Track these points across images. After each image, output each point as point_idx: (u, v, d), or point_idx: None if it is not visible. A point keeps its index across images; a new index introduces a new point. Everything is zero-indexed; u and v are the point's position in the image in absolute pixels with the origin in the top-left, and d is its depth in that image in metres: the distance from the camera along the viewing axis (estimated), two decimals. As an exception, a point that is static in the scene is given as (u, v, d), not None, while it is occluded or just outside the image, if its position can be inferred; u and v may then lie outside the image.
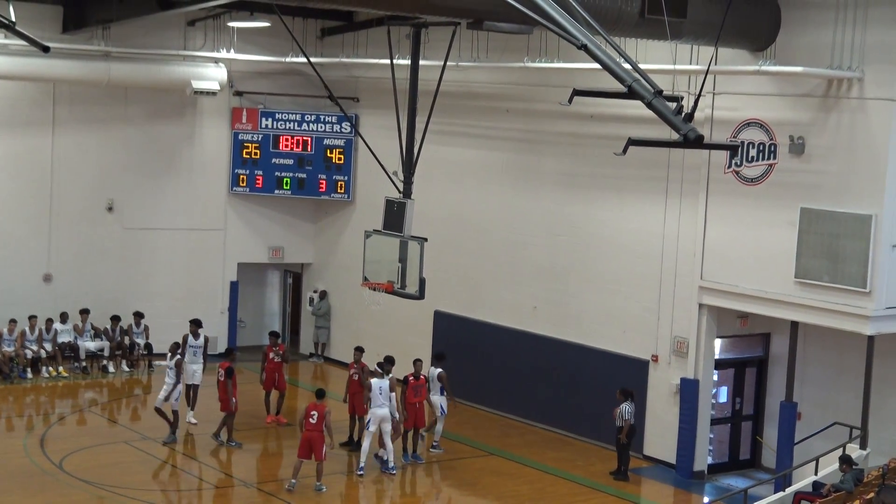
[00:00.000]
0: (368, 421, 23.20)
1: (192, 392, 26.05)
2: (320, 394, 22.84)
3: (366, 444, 23.21)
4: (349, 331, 32.27)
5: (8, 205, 30.57)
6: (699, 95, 17.39)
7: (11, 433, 25.39)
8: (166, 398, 24.79)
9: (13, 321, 29.63)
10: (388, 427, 23.19)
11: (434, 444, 24.91)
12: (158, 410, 24.82)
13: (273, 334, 27.73)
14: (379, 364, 23.82)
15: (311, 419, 22.05)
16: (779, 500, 20.11)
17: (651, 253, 24.76)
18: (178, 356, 25.13)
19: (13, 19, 25.15)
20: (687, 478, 24.01)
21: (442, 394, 24.79)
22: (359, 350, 25.31)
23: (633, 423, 23.70)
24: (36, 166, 30.79)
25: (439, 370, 24.63)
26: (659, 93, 16.76)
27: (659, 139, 20.97)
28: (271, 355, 26.53)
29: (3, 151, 30.40)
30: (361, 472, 23.07)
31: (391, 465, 23.24)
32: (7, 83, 29.76)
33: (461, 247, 28.97)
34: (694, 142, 16.69)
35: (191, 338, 26.29)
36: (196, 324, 26.70)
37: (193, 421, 25.98)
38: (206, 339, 26.85)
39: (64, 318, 30.46)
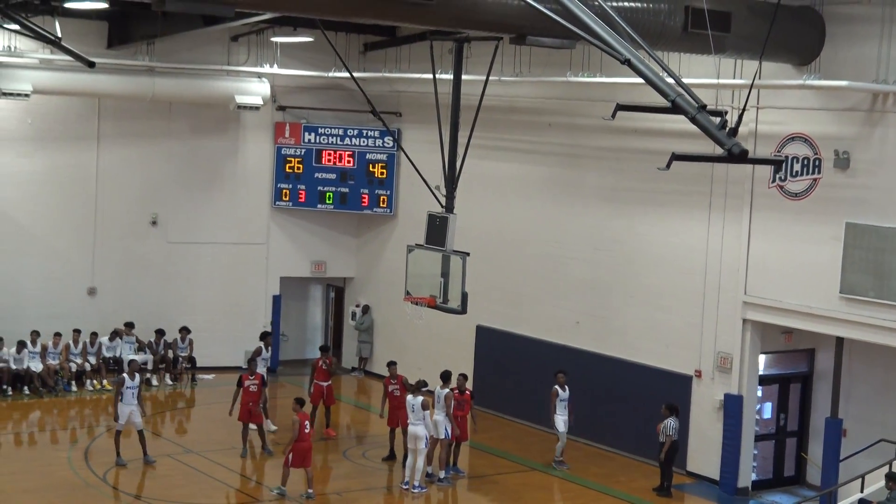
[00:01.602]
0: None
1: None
2: (301, 402, 22.85)
3: (409, 461, 23.20)
4: (391, 345, 32.28)
5: (53, 219, 30.82)
6: (743, 110, 17.26)
7: (56, 446, 25.55)
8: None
9: (58, 334, 29.83)
10: (421, 445, 23.09)
11: (429, 473, 23.97)
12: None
13: (323, 348, 27.79)
14: (417, 382, 23.77)
15: (305, 429, 22.16)
16: (824, 517, 19.99)
17: (694, 268, 24.64)
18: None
19: (59, 35, 25.45)
20: (731, 494, 23.84)
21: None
22: (393, 364, 25.30)
23: (675, 438, 23.57)
24: (81, 181, 31.04)
25: (446, 391, 23.98)
26: (703, 107, 16.68)
27: (703, 154, 20.83)
28: (321, 364, 26.60)
29: (49, 166, 30.66)
30: (406, 486, 23.06)
31: (416, 483, 23.11)
32: (53, 98, 30.03)
33: (504, 261, 28.93)
34: (738, 157, 16.60)
35: (263, 350, 26.52)
36: (268, 336, 27.29)
37: (273, 428, 26.15)
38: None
39: (113, 336, 30.62)
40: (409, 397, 23.30)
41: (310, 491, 22.26)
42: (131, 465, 23.73)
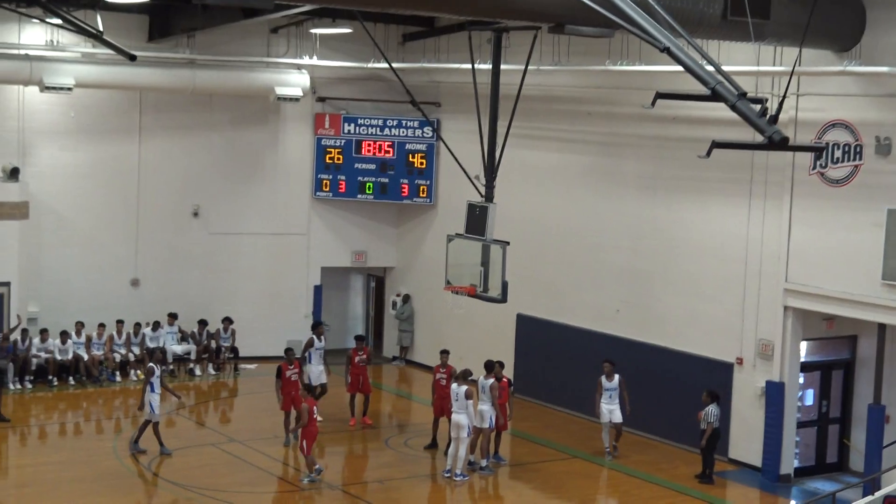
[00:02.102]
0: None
1: (320, 391, 26.41)
2: (309, 389, 23.19)
3: (452, 447, 23.30)
4: (432, 334, 32.41)
5: (96, 211, 31.10)
6: (784, 97, 17.24)
7: (101, 435, 25.81)
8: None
9: (102, 325, 30.13)
10: (463, 434, 23.14)
11: (471, 462, 23.92)
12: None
13: (358, 338, 27.83)
14: (463, 372, 23.87)
15: (314, 415, 22.50)
16: (867, 504, 19.90)
17: (735, 255, 24.60)
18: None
19: (101, 29, 25.70)
20: (773, 481, 23.82)
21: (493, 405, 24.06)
22: (445, 353, 25.38)
23: (717, 426, 23.56)
24: (123, 173, 31.31)
25: (491, 381, 23.86)
26: (743, 95, 16.68)
27: (743, 141, 20.83)
28: (356, 359, 26.63)
29: (92, 159, 30.93)
30: (448, 475, 23.17)
31: (458, 472, 23.16)
32: (95, 92, 30.28)
33: (543, 250, 28.97)
34: (779, 144, 16.58)
35: (315, 340, 26.72)
36: (319, 326, 27.36)
37: (319, 419, 26.39)
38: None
39: (156, 326, 30.90)
40: (454, 386, 23.38)
41: (312, 475, 22.60)
42: (175, 454, 23.94)
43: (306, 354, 26.67)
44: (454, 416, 23.19)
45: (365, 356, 26.81)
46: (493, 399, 23.72)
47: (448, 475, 23.12)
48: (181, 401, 27.00)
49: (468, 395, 23.20)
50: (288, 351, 25.80)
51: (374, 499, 21.90)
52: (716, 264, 25.06)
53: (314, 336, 27.06)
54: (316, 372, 26.61)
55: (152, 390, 23.85)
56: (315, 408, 22.78)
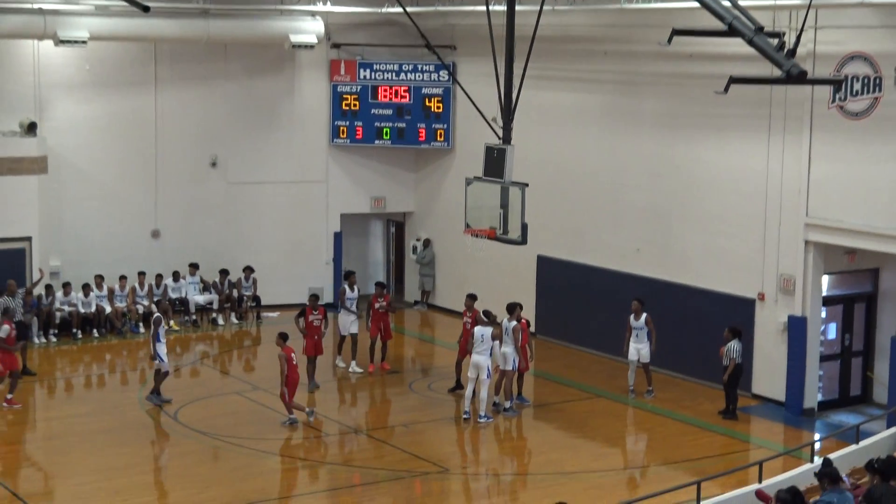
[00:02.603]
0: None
1: (351, 342, 26.59)
2: (285, 337, 23.08)
3: (468, 389, 23.38)
4: (453, 278, 32.48)
5: (115, 164, 31.16)
6: (801, 30, 17.15)
7: (126, 387, 26.00)
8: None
9: (123, 277, 30.27)
10: (483, 375, 23.16)
11: (496, 403, 24.03)
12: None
13: (379, 284, 27.70)
14: (484, 312, 23.92)
15: (293, 362, 22.70)
16: (891, 435, 19.84)
17: (755, 191, 24.52)
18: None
19: (114, -20, 25.60)
20: (797, 415, 23.87)
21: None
22: (471, 297, 25.38)
23: (739, 362, 23.59)
24: (140, 125, 31.32)
25: (514, 323, 23.95)
26: (760, 29, 16.60)
27: (761, 76, 20.77)
28: (377, 305, 26.59)
29: (108, 111, 30.95)
30: (467, 416, 23.27)
31: (482, 413, 23.24)
32: (109, 44, 30.26)
33: (562, 191, 28.94)
34: (797, 78, 16.52)
35: (347, 290, 26.82)
36: (351, 275, 27.44)
37: (359, 370, 26.51)
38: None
39: (176, 276, 31.02)
40: (478, 328, 23.39)
41: (292, 417, 22.84)
42: (200, 402, 24.10)
43: (345, 304, 26.82)
44: (474, 357, 23.24)
45: (385, 303, 26.76)
46: (516, 341, 23.78)
47: (466, 417, 23.19)
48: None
49: (495, 337, 23.26)
50: (312, 297, 25.89)
51: (400, 442, 22.04)
52: (736, 200, 25.00)
53: (346, 285, 27.12)
54: (347, 321, 26.69)
55: (159, 340, 23.93)
56: (293, 354, 22.88)
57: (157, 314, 24.51)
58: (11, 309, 25.97)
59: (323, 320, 25.46)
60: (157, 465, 21.03)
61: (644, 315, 24.79)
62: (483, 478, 20.81)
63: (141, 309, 30.23)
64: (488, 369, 23.22)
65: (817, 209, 23.41)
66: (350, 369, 26.57)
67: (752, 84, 21.61)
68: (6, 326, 23.88)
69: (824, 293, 24.27)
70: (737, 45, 18.46)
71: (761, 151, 24.33)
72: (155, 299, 30.22)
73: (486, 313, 23.84)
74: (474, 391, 23.38)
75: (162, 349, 23.90)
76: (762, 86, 22.79)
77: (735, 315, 24.62)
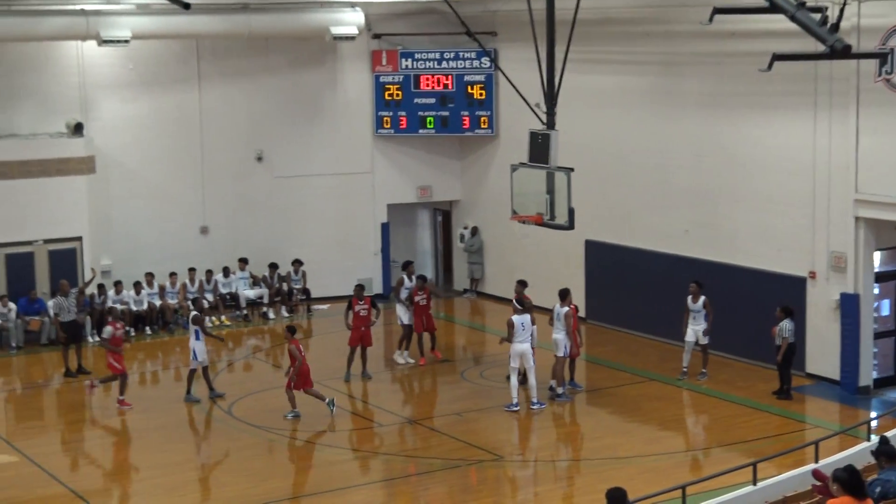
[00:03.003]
0: (510, 356, 23.10)
1: (405, 332, 26.73)
2: (293, 330, 23.20)
3: (513, 379, 23.22)
4: (502, 265, 32.46)
5: (162, 161, 31.36)
6: (844, 4, 17.01)
7: (179, 383, 26.10)
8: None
9: (173, 274, 30.47)
10: (529, 363, 23.10)
11: (551, 389, 24.03)
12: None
13: (420, 277, 27.27)
14: (517, 300, 23.79)
15: (301, 354, 22.80)
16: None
17: (802, 169, 24.32)
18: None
19: (154, -21, 25.72)
20: (852, 393, 23.68)
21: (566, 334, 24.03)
22: (521, 283, 25.25)
23: (792, 341, 23.43)
24: (185, 122, 31.51)
25: (566, 309, 23.88)
26: (802, 4, 16.46)
27: (804, 52, 20.58)
28: (417, 298, 26.41)
29: (153, 109, 31.14)
30: (516, 408, 23.11)
31: (535, 400, 23.19)
32: (152, 42, 30.44)
33: (608, 174, 28.84)
34: (841, 52, 16.40)
35: (406, 279, 26.92)
36: (409, 266, 27.59)
37: (410, 360, 26.66)
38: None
39: (226, 272, 31.19)
40: (515, 317, 23.17)
41: (330, 401, 22.97)
42: (253, 397, 24.22)
43: (398, 294, 26.89)
44: (517, 347, 23.01)
45: (425, 296, 26.58)
46: (568, 327, 23.72)
47: (517, 408, 23.08)
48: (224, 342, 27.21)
49: (533, 322, 23.17)
50: (358, 287, 25.93)
51: (453, 431, 22.06)
52: (783, 178, 24.81)
53: (404, 276, 27.15)
54: (399, 312, 26.76)
55: (197, 338, 24.03)
56: (301, 346, 23.02)
57: (195, 312, 24.61)
58: (65, 308, 26.27)
59: (370, 310, 25.48)
60: (212, 460, 21.15)
61: (702, 298, 24.65)
62: (537, 464, 20.79)
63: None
64: (532, 356, 23.14)
65: (866, 184, 23.18)
66: (402, 360, 26.55)
67: (795, 60, 21.40)
68: (109, 328, 23.97)
69: (876, 269, 24.05)
70: (779, 21, 18.33)
71: (807, 128, 24.12)
72: (220, 293, 30.51)
73: (520, 301, 23.71)
74: (524, 378, 23.33)
75: (199, 346, 24.01)
76: (806, 62, 22.58)
77: (786, 294, 24.45)
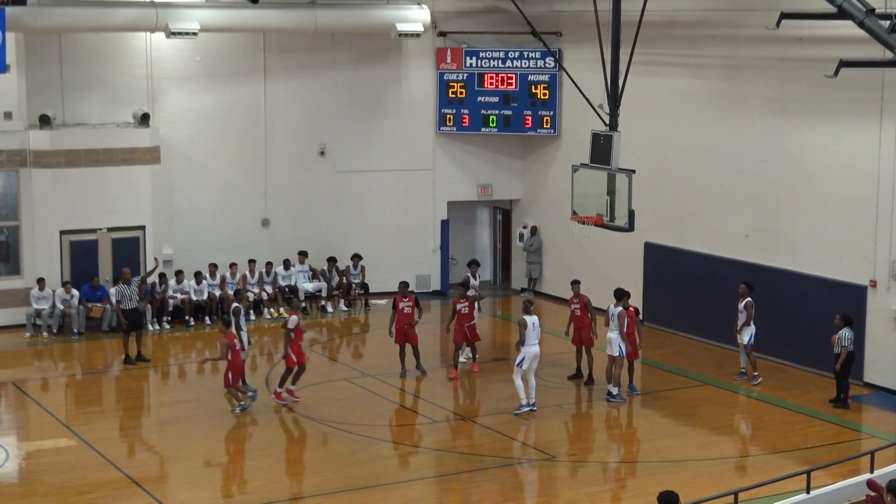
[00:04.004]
0: (522, 359, 22.78)
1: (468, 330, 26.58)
2: (228, 323, 23.24)
3: (518, 380, 22.88)
4: (560, 265, 32.46)
5: (226, 153, 31.63)
6: (913, 12, 16.87)
7: (238, 373, 26.40)
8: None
9: (233, 265, 30.73)
10: (535, 364, 22.86)
11: (609, 391, 24.01)
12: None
13: (463, 284, 26.42)
14: (526, 301, 23.60)
15: (236, 348, 22.85)
16: None
17: (866, 176, 24.14)
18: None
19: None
20: (910, 404, 23.54)
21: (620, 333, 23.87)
22: (576, 283, 25.22)
23: (851, 349, 23.26)
24: (250, 115, 31.76)
25: (619, 309, 23.79)
26: (871, 11, 16.37)
27: (872, 59, 20.45)
28: (459, 307, 25.49)
29: (219, 102, 31.41)
30: (529, 409, 22.84)
31: (527, 402, 22.85)
32: (219, 36, 30.70)
33: (669, 177, 28.75)
34: (908, 60, 16.25)
35: (471, 278, 27.00)
36: (475, 265, 27.76)
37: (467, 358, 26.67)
38: None
39: (287, 264, 31.41)
40: (528, 317, 22.84)
41: (251, 393, 23.33)
42: (309, 389, 24.36)
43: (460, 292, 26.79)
44: (531, 349, 22.74)
45: (467, 304, 25.59)
46: (621, 326, 23.67)
47: (529, 409, 22.80)
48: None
49: (522, 325, 22.85)
50: (402, 284, 25.96)
51: (508, 430, 22.10)
52: (846, 186, 24.64)
53: (469, 274, 27.16)
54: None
55: (241, 329, 24.04)
56: (235, 340, 22.98)
57: (235, 304, 24.68)
58: (126, 296, 26.56)
59: (414, 308, 25.52)
60: (267, 451, 21.31)
61: (746, 300, 24.57)
62: (590, 465, 20.79)
63: (251, 296, 30.66)
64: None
65: (931, 194, 22.98)
66: (463, 358, 26.53)
67: (862, 67, 21.24)
68: (294, 317, 23.63)
69: (938, 279, 23.86)
70: (847, 28, 18.25)
71: (873, 135, 23.93)
72: (280, 285, 30.75)
73: (528, 302, 23.51)
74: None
75: (242, 336, 24.09)
76: (873, 69, 22.40)
77: (846, 302, 24.28)
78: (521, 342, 22.82)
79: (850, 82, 22.31)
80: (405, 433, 22.42)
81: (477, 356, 26.25)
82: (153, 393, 25.34)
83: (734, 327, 24.93)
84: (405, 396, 24.43)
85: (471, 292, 26.33)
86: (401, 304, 25.34)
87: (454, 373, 25.59)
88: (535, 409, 22.95)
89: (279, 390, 23.54)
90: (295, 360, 23.37)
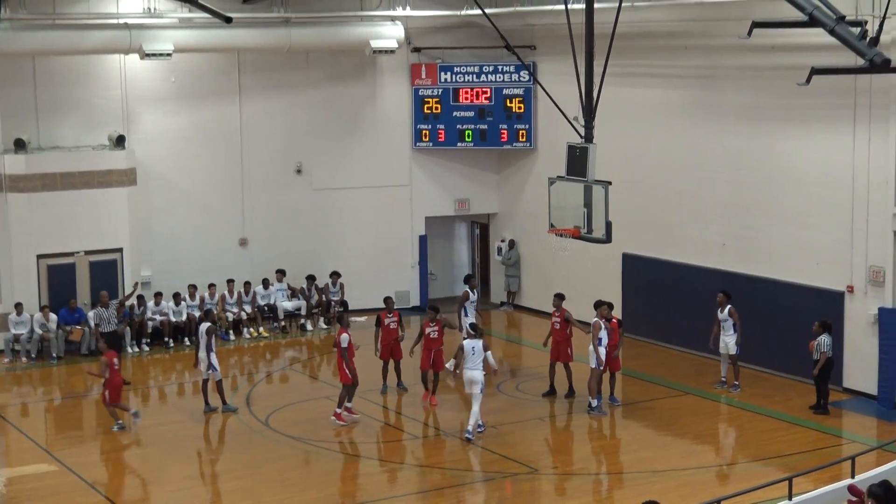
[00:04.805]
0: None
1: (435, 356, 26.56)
2: (108, 342, 23.87)
3: (475, 406, 22.39)
4: (539, 278, 32.49)
5: (202, 174, 31.58)
6: (884, 18, 16.98)
7: (216, 394, 26.24)
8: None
9: (212, 285, 30.65)
10: (476, 390, 22.22)
11: (589, 402, 23.89)
12: None
13: (433, 308, 25.42)
14: (471, 325, 23.33)
15: (115, 367, 22.95)
16: None
17: (841, 182, 24.24)
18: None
19: (196, -7, 25.97)
20: (889, 409, 23.51)
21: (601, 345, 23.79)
22: (558, 297, 25.19)
23: (830, 355, 23.34)
24: (226, 135, 31.73)
25: (595, 319, 23.75)
26: (841, 18, 16.47)
27: (844, 66, 20.55)
28: (428, 331, 24.67)
29: (195, 122, 31.37)
30: (470, 436, 22.18)
31: (469, 430, 22.13)
32: (194, 55, 30.69)
33: (646, 188, 28.83)
34: (880, 66, 16.39)
35: (469, 293, 26.95)
36: (472, 279, 27.74)
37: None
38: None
39: (266, 283, 31.34)
40: (467, 341, 22.49)
41: (134, 412, 23.43)
42: (290, 408, 24.32)
43: (462, 308, 26.82)
44: (469, 373, 22.16)
45: (437, 328, 24.65)
46: (594, 337, 23.62)
47: (470, 437, 22.09)
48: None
49: (486, 348, 22.49)
50: (387, 300, 25.93)
51: (489, 444, 22.08)
52: (822, 193, 24.74)
53: (468, 289, 27.14)
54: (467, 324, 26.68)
55: (212, 349, 24.05)
56: (115, 359, 23.13)
57: (208, 324, 24.57)
58: (105, 319, 26.49)
59: (399, 323, 25.48)
60: (249, 471, 21.24)
61: (728, 307, 24.66)
62: (572, 477, 20.78)
63: (231, 316, 30.60)
64: (482, 384, 22.28)
65: (906, 199, 23.09)
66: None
67: (834, 74, 21.36)
68: (345, 335, 23.36)
69: (915, 284, 23.95)
70: (818, 35, 18.35)
71: (847, 142, 24.05)
72: (259, 305, 30.68)
73: (473, 326, 23.14)
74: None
75: (214, 358, 24.06)
76: (846, 75, 22.52)
77: (824, 308, 24.36)
78: (458, 366, 22.52)
79: (823, 89, 22.42)
80: (388, 450, 22.37)
81: (437, 387, 25.02)
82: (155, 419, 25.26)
83: (711, 337, 24.97)
84: (388, 413, 24.38)
85: (469, 311, 26.34)
86: (386, 320, 25.19)
87: (430, 397, 24.73)
88: (469, 437, 22.14)
89: (339, 411, 23.31)
90: (350, 377, 23.27)
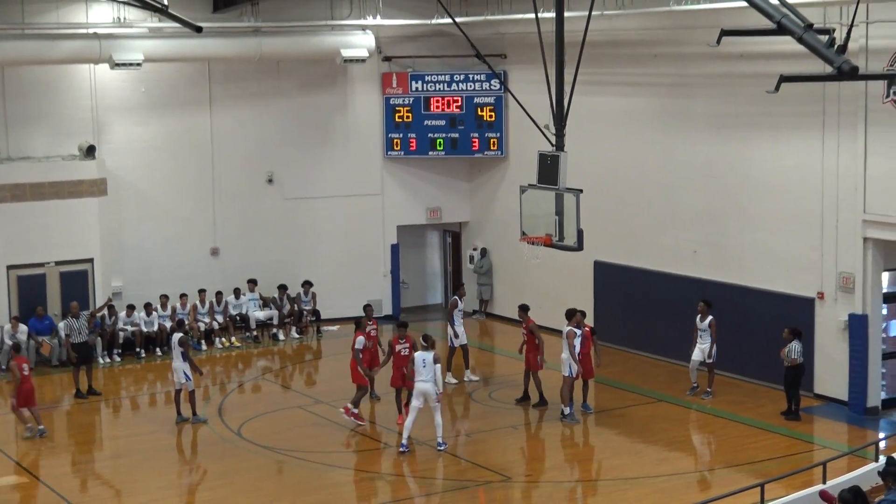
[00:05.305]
0: (411, 395, 22.13)
1: (462, 352, 26.73)
2: (18, 348, 24.04)
3: (409, 420, 22.15)
4: (511, 286, 32.52)
5: (173, 184, 31.49)
6: (851, 26, 17.07)
7: (189, 404, 26.17)
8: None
9: (184, 295, 30.56)
10: (431, 403, 22.06)
11: (562, 410, 23.90)
12: None
13: (402, 325, 24.64)
14: (424, 337, 22.67)
15: (24, 372, 23.16)
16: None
17: (811, 189, 24.37)
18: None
19: (166, 3, 25.94)
20: (860, 414, 23.66)
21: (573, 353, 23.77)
22: (522, 308, 25.19)
23: (801, 361, 23.46)
24: (197, 144, 31.65)
25: (568, 328, 23.79)
26: (809, 26, 16.53)
27: (812, 74, 20.65)
28: (398, 348, 23.79)
29: (165, 132, 31.28)
30: (405, 449, 21.95)
31: (440, 440, 22.05)
32: (164, 65, 30.60)
33: (617, 196, 28.91)
34: (848, 73, 16.43)
35: (459, 301, 26.98)
36: (461, 288, 27.97)
37: (475, 378, 26.70)
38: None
39: (237, 293, 31.25)
40: (418, 354, 22.19)
41: (41, 427, 23.32)
42: (263, 418, 24.28)
43: (451, 317, 26.85)
44: (419, 385, 21.88)
45: (408, 345, 23.72)
46: (571, 347, 23.67)
47: (405, 450, 21.91)
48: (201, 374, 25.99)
49: (437, 360, 22.09)
50: (367, 307, 25.94)
51: (462, 452, 22.10)
52: (792, 199, 24.87)
53: (457, 297, 27.12)
54: (461, 333, 26.72)
55: (184, 359, 24.03)
56: (25, 365, 23.31)
57: (180, 334, 24.48)
58: (75, 330, 26.34)
59: (377, 331, 25.45)
60: (222, 481, 21.17)
61: (709, 318, 24.76)
62: (545, 485, 20.80)
63: (202, 326, 30.53)
64: (437, 395, 22.06)
65: (875, 205, 23.22)
66: (466, 378, 26.52)
67: (803, 81, 21.46)
68: (361, 338, 23.56)
69: (885, 290, 24.07)
70: (787, 43, 18.38)
71: (816, 149, 24.18)
72: (231, 314, 30.60)
73: (426, 338, 22.54)
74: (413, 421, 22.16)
75: (187, 368, 24.06)
76: (814, 83, 22.65)
77: (795, 315, 24.49)
78: (409, 378, 22.35)
79: (791, 97, 22.55)
80: (363, 459, 22.33)
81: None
82: (105, 427, 25.13)
83: (692, 345, 25.04)
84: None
85: (457, 320, 26.49)
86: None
87: (400, 418, 23.63)
88: (443, 447, 22.04)
89: (356, 411, 23.54)
90: (366, 378, 23.48)
